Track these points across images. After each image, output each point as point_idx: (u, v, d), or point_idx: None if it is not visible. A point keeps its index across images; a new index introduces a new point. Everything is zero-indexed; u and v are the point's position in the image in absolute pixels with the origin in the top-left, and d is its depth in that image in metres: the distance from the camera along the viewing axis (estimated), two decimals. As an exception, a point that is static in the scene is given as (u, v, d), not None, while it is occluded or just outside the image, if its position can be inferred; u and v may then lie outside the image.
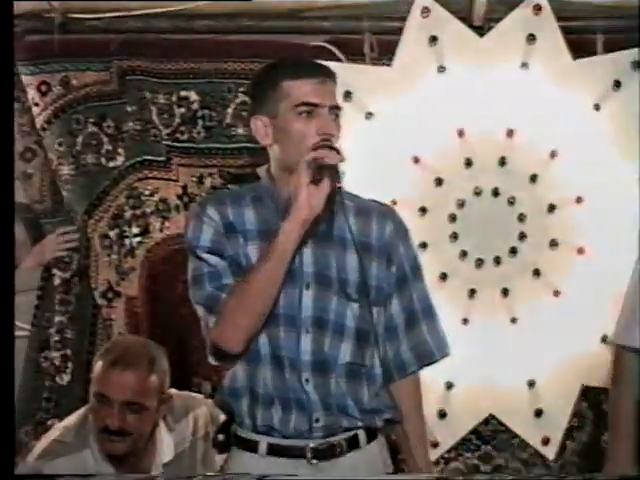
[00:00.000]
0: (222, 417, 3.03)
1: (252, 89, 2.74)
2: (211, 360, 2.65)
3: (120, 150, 3.70)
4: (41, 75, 3.63)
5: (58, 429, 3.16)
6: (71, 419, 3.19)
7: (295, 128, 2.58)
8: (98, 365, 3.08)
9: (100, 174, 3.70)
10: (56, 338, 3.70)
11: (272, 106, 2.60)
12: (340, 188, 2.55)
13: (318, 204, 2.52)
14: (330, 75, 2.61)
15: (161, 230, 3.71)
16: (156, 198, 3.71)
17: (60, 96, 3.66)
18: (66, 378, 3.68)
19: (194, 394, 3.35)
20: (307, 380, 2.58)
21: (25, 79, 3.66)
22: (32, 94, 3.65)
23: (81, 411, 3.20)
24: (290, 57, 3.12)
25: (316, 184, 2.51)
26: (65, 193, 3.69)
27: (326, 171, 2.53)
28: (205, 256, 2.61)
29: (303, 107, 2.57)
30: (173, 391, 3.18)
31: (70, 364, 3.70)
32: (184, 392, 3.28)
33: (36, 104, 3.66)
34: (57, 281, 3.70)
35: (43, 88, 3.64)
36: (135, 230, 3.71)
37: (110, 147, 3.70)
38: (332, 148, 2.54)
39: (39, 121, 3.67)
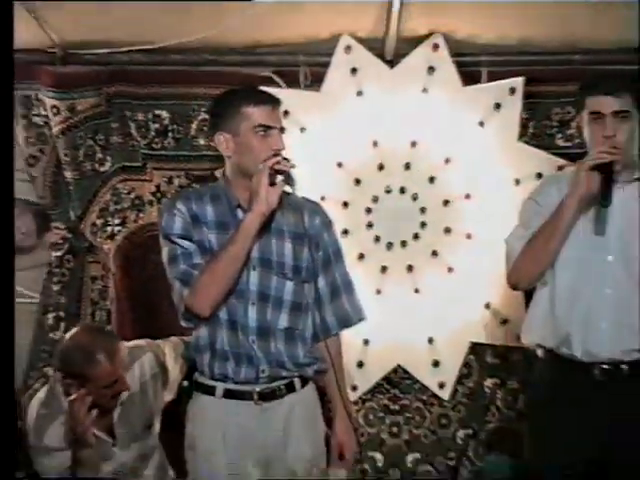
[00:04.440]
0: (168, 360, 3.31)
1: (215, 110, 2.90)
2: (182, 323, 2.86)
3: (108, 158, 3.89)
4: (53, 100, 3.77)
5: (33, 406, 3.21)
6: (39, 397, 3.23)
7: (254, 144, 2.78)
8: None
9: (94, 177, 3.87)
10: (52, 302, 3.90)
11: (234, 126, 2.79)
12: (295, 190, 2.77)
13: (274, 201, 2.74)
14: (279, 102, 2.85)
15: (136, 221, 3.90)
16: (132, 195, 3.91)
17: (67, 118, 3.79)
18: (59, 334, 3.84)
19: (140, 343, 3.34)
20: (253, 341, 2.82)
21: (40, 101, 3.82)
22: (46, 113, 3.80)
23: (45, 389, 3.26)
24: (248, 87, 3.20)
25: (272, 185, 2.75)
26: (70, 192, 3.87)
27: (280, 176, 2.75)
28: (178, 240, 2.82)
29: (260, 128, 2.79)
30: (123, 344, 3.23)
31: (62, 324, 3.89)
32: (131, 343, 3.31)
33: (48, 122, 3.82)
34: (52, 258, 3.90)
35: (54, 110, 3.79)
36: (116, 221, 3.90)
37: (101, 155, 3.89)
38: (285, 158, 2.77)
39: (50, 135, 3.83)
